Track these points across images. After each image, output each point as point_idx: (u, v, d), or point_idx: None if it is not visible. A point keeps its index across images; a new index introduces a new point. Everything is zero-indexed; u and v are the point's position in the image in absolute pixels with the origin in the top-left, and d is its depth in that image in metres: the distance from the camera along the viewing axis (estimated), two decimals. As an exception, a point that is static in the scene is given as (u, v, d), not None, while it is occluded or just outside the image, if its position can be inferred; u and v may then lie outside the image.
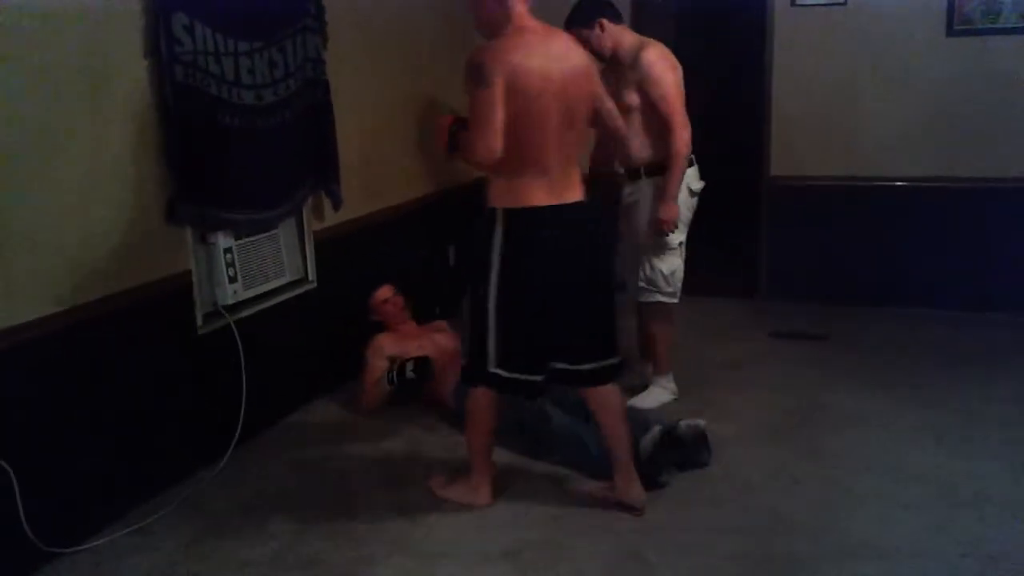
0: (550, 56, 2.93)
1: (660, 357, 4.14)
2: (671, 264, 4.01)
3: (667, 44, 3.97)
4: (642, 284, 4.03)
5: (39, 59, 2.87)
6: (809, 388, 4.24)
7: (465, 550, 3.00)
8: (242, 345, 3.62)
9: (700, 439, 3.48)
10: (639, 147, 3.95)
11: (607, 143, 4.17)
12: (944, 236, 5.25)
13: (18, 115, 2.81)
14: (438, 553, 2.99)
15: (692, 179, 3.99)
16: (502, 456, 3.51)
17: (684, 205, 3.97)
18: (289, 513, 3.25)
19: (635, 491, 3.17)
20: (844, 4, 5.19)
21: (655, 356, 4.15)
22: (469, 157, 2.94)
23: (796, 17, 5.29)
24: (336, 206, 4.31)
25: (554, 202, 2.98)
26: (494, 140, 2.84)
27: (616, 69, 3.95)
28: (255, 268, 3.86)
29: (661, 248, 3.98)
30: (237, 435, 3.61)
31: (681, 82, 3.89)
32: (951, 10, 5.01)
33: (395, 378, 4.01)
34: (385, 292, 4.36)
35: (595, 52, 3.96)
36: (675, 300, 4.06)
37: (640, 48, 3.88)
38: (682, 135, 3.83)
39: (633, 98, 3.88)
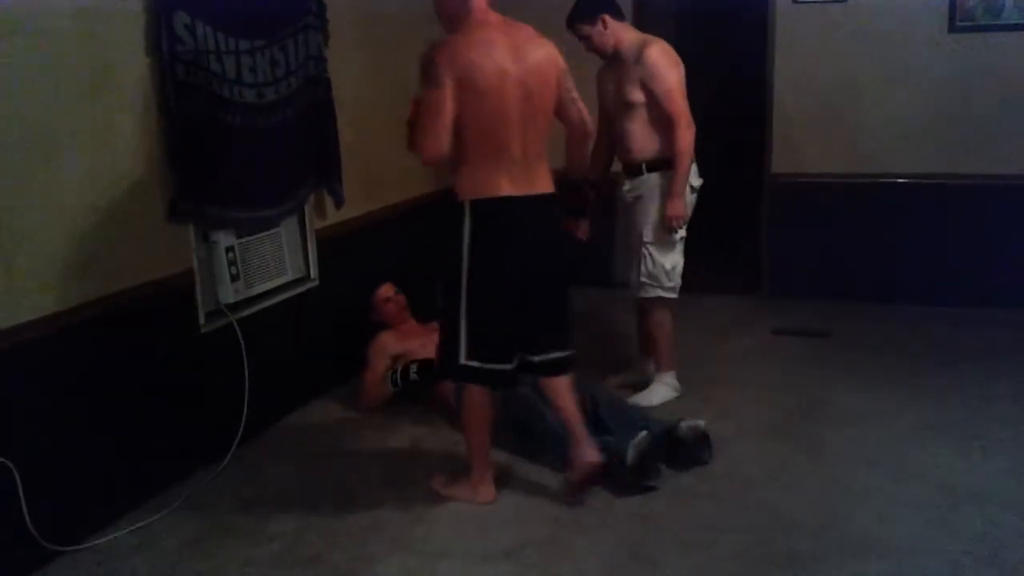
0: (509, 50, 2.98)
1: (662, 354, 4.14)
2: (672, 259, 4.02)
3: (668, 42, 3.97)
4: (644, 279, 4.03)
5: (40, 58, 2.88)
6: (810, 385, 4.24)
7: (466, 549, 3.01)
8: (244, 344, 3.63)
9: (701, 439, 3.48)
10: (641, 143, 3.96)
11: (606, 142, 4.18)
12: (945, 233, 5.25)
13: (19, 114, 2.82)
14: (439, 552, 2.99)
15: (692, 176, 4.00)
16: (501, 456, 3.51)
17: (685, 201, 3.97)
18: (291, 512, 3.25)
19: (591, 452, 3.22)
20: (845, 1, 5.18)
21: (656, 353, 4.16)
22: (416, 152, 3.01)
23: (797, 14, 5.28)
24: (338, 204, 4.32)
25: (518, 193, 3.03)
26: (440, 139, 2.93)
27: (618, 66, 3.95)
28: (257, 266, 3.86)
29: (663, 243, 3.98)
30: (239, 434, 3.61)
31: (683, 79, 3.90)
32: (953, 6, 5.00)
33: (399, 380, 4.01)
34: (387, 290, 4.36)
35: (597, 49, 3.97)
36: (675, 295, 4.07)
37: (644, 45, 3.88)
38: (687, 132, 3.85)
39: (636, 95, 3.89)
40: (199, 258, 3.56)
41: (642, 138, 3.95)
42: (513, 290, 3.09)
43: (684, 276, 4.09)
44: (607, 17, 3.91)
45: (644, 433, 3.31)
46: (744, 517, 3.12)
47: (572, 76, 3.19)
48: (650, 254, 4.00)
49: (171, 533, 3.14)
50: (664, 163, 3.92)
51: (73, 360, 3.04)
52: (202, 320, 3.57)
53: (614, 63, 3.98)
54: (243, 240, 3.75)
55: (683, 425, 3.45)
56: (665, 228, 3.93)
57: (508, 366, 3.14)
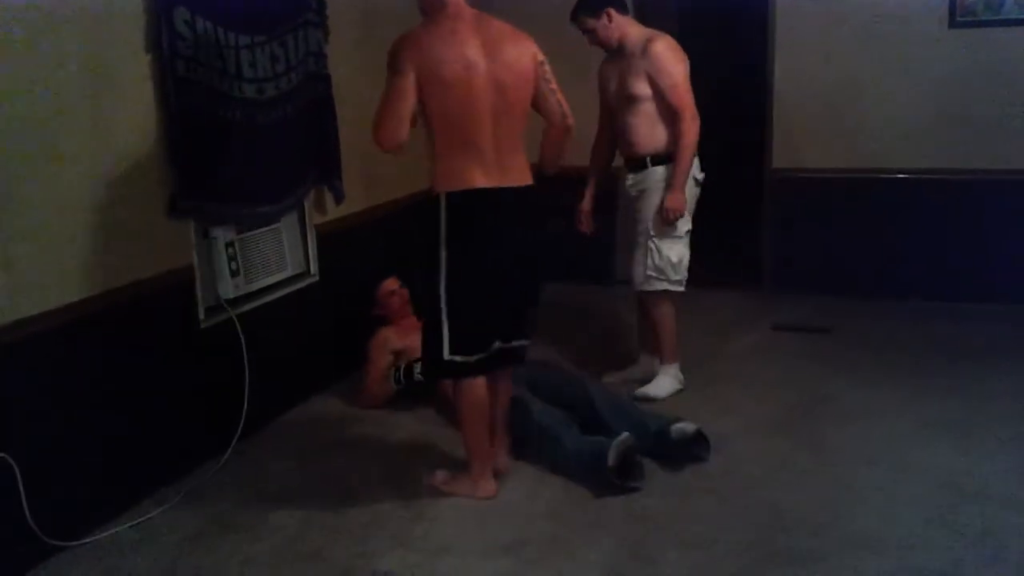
0: (478, 45, 3.02)
1: (666, 346, 4.14)
2: (679, 252, 4.02)
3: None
4: (650, 273, 4.02)
5: (41, 55, 2.87)
6: (811, 382, 4.23)
7: (467, 545, 3.01)
8: (244, 339, 3.63)
9: (694, 439, 3.44)
10: (644, 137, 3.96)
11: (608, 136, 4.18)
12: (946, 229, 5.24)
13: (20, 111, 2.81)
14: (440, 548, 2.99)
15: (695, 169, 4.01)
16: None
17: (689, 194, 3.98)
18: (291, 508, 3.25)
19: (502, 462, 3.40)
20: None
21: (660, 345, 4.15)
22: (374, 139, 3.04)
23: (798, 9, 5.27)
24: (338, 200, 4.32)
25: (491, 185, 3.06)
26: (397, 128, 2.98)
27: (621, 60, 3.96)
28: (257, 262, 3.86)
29: (669, 236, 3.98)
30: (239, 429, 3.61)
31: (688, 73, 3.91)
32: (953, 2, 4.99)
33: (402, 378, 4.01)
34: (391, 284, 4.35)
35: (601, 42, 3.98)
36: (681, 288, 4.07)
37: (650, 39, 3.90)
38: (692, 126, 3.86)
39: (641, 88, 3.90)
40: (199, 254, 3.55)
41: (645, 132, 3.95)
42: (490, 281, 3.11)
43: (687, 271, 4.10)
44: (612, 11, 3.92)
45: (626, 434, 3.28)
46: (744, 515, 3.12)
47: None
48: (656, 247, 3.99)
49: (172, 528, 3.14)
50: (668, 157, 3.93)
51: (73, 356, 3.04)
52: (202, 316, 3.57)
53: (617, 57, 3.98)
54: (243, 236, 3.74)
55: (674, 429, 3.43)
56: (663, 220, 3.93)
57: (485, 355, 3.17)
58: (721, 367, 4.47)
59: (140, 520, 3.18)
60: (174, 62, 3.28)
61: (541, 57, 3.16)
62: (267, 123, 3.74)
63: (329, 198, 4.30)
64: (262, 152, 3.74)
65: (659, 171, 3.96)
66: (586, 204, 4.26)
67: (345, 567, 2.89)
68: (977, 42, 5.01)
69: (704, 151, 4.03)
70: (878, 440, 3.63)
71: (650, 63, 3.87)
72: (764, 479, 3.37)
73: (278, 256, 4.01)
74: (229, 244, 3.65)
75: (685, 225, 4.01)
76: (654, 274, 4.03)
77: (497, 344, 3.19)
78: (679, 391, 4.12)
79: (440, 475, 3.39)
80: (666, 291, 4.05)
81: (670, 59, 3.88)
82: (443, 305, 3.09)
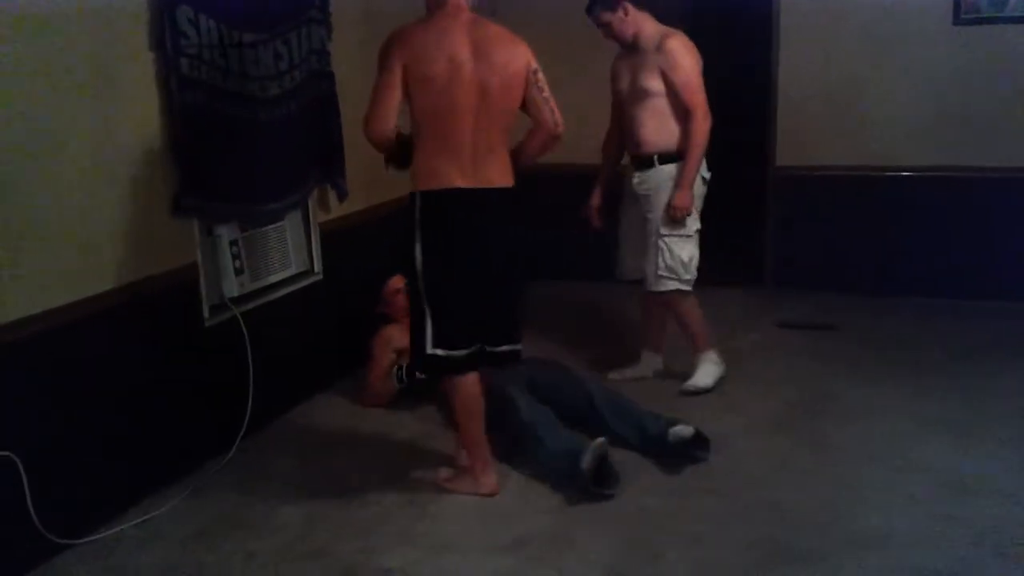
0: (468, 46, 3.04)
1: (699, 336, 4.16)
2: (689, 251, 4.02)
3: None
4: (661, 272, 4.02)
5: (45, 53, 2.88)
6: (814, 380, 4.24)
7: (469, 542, 3.02)
8: (248, 337, 3.63)
9: (693, 441, 3.43)
10: (652, 134, 3.96)
11: (618, 133, 4.18)
12: (950, 226, 5.24)
13: (24, 109, 2.82)
14: (443, 545, 3.00)
15: (703, 168, 4.01)
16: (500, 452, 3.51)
17: (697, 193, 3.99)
18: (295, 505, 3.26)
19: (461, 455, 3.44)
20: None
21: (692, 335, 4.16)
22: (364, 132, 3.08)
23: (801, 7, 5.26)
24: (341, 198, 4.32)
25: (468, 186, 3.07)
26: (385, 119, 3.02)
27: (635, 55, 3.97)
28: (261, 260, 3.87)
29: (679, 235, 3.98)
30: (244, 427, 3.62)
31: (701, 72, 3.92)
32: (957, -1, 5.00)
33: (404, 377, 4.01)
34: (397, 282, 4.34)
35: (616, 36, 3.97)
36: (691, 287, 4.07)
37: (665, 35, 3.91)
38: (703, 125, 3.88)
39: (654, 84, 3.90)
40: (203, 252, 3.56)
41: (653, 129, 3.96)
42: (466, 278, 3.13)
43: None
44: (629, 5, 3.91)
45: (602, 439, 3.26)
46: (746, 513, 3.13)
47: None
48: (667, 246, 3.99)
49: (176, 526, 3.15)
50: (677, 155, 3.93)
51: (78, 353, 3.05)
52: (206, 314, 3.58)
53: (631, 52, 3.99)
54: (247, 234, 3.75)
55: (672, 432, 3.42)
56: (671, 218, 3.94)
57: (468, 351, 3.19)
58: (726, 364, 4.45)
59: (144, 518, 3.19)
60: (177, 60, 3.28)
61: (535, 65, 3.15)
62: (270, 121, 3.75)
63: (333, 196, 4.30)
64: (265, 150, 3.74)
65: (668, 169, 3.96)
66: (596, 199, 4.26)
67: (348, 564, 2.90)
68: (981, 39, 5.01)
69: (708, 149, 4.03)
70: (880, 438, 3.63)
71: (664, 59, 3.88)
72: (767, 476, 3.38)
73: (282, 254, 4.02)
74: (233, 242, 3.66)
75: (695, 224, 4.01)
76: (665, 274, 4.02)
77: (480, 345, 3.19)
78: (722, 378, 4.14)
79: (443, 472, 3.40)
80: (677, 290, 4.05)
81: (684, 56, 3.89)
82: (423, 300, 3.12)
